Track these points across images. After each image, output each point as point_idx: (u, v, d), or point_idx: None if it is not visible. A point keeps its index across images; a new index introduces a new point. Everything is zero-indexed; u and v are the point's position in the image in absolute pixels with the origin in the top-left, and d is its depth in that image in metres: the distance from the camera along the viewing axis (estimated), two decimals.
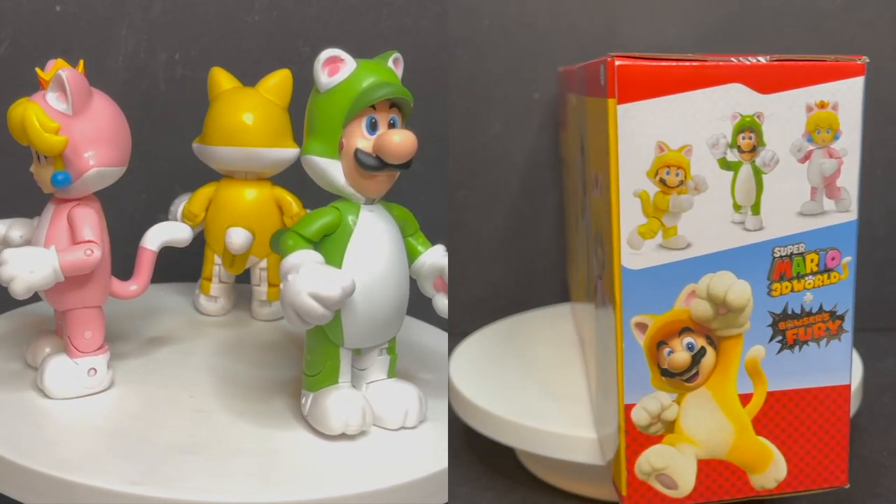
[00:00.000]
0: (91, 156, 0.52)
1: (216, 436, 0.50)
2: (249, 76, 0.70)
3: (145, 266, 0.56)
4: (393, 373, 0.54)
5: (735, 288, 0.45)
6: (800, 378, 0.47)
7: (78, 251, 0.51)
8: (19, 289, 0.49)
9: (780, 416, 0.47)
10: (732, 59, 0.43)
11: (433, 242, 0.55)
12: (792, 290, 0.46)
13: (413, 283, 0.54)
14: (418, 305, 0.56)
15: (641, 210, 0.44)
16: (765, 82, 0.43)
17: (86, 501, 0.44)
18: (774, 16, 0.81)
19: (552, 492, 0.61)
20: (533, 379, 0.65)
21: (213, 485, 0.45)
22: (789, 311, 0.46)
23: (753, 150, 0.44)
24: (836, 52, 0.45)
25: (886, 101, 0.82)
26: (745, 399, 0.47)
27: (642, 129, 0.43)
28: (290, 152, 0.67)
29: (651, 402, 0.46)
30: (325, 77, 0.50)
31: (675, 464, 0.46)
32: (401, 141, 0.49)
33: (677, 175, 0.44)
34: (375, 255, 0.50)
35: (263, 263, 0.69)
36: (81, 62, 0.54)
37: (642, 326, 0.45)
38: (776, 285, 0.46)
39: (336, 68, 0.50)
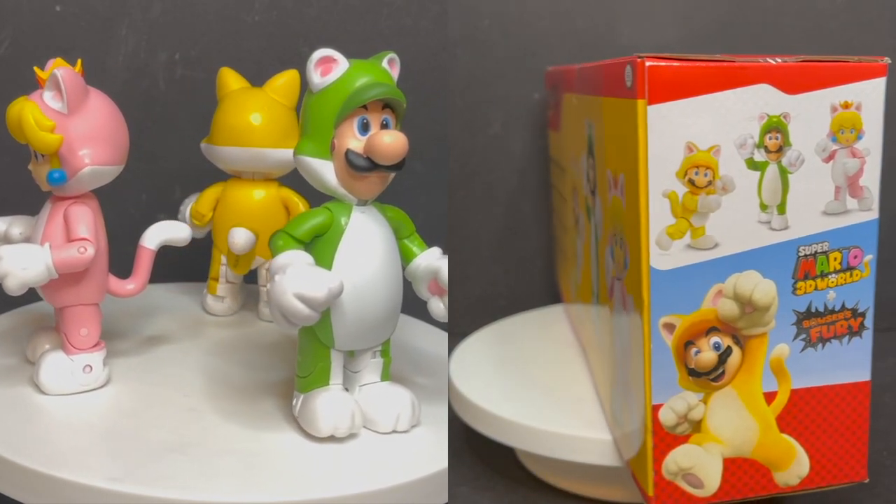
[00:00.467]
0: (86, 154, 0.52)
1: (205, 435, 0.50)
2: (249, 76, 0.70)
3: (144, 265, 0.57)
4: (387, 376, 0.54)
5: (761, 287, 0.45)
6: (822, 375, 0.47)
7: (71, 249, 0.52)
8: (12, 285, 0.50)
9: (803, 413, 0.47)
10: (760, 59, 0.44)
11: (433, 242, 0.55)
12: (815, 289, 0.46)
13: (409, 284, 0.54)
14: (419, 305, 0.56)
15: (670, 210, 0.44)
16: (791, 83, 0.44)
17: (67, 497, 0.44)
18: (774, 16, 0.81)
19: (552, 492, 0.61)
20: (533, 379, 0.65)
21: (195, 483, 0.45)
22: (813, 310, 0.46)
23: (780, 150, 0.44)
24: (836, 53, 0.45)
25: (886, 102, 0.83)
26: (769, 397, 0.47)
27: (671, 130, 0.43)
28: None
29: (678, 403, 0.46)
30: (317, 77, 0.50)
31: (701, 463, 0.47)
32: (391, 142, 0.48)
33: (706, 175, 0.44)
34: (366, 257, 0.50)
35: (269, 264, 0.69)
36: (79, 61, 0.54)
37: (670, 327, 0.45)
38: (800, 284, 0.46)
39: (329, 68, 0.50)
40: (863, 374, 0.48)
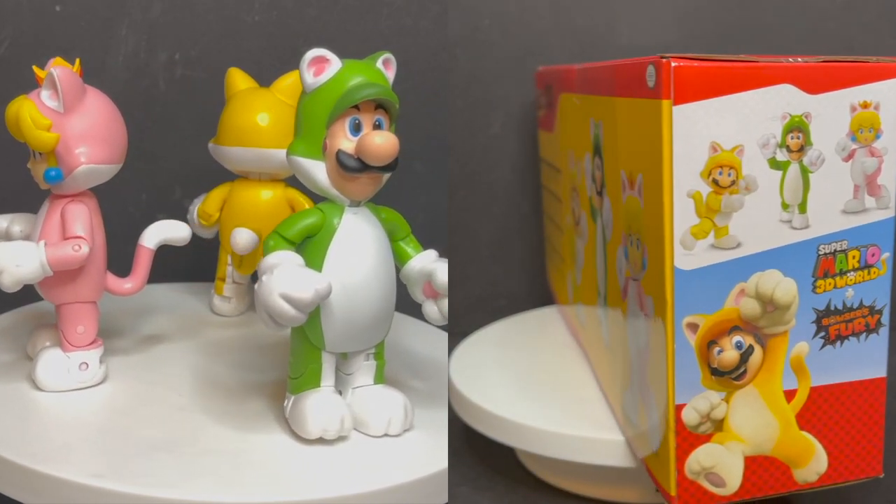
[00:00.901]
0: (82, 153, 0.52)
1: (195, 435, 0.50)
2: (250, 76, 0.69)
3: (142, 264, 0.57)
4: (380, 379, 0.53)
5: (782, 286, 0.46)
6: (840, 372, 0.48)
7: (66, 246, 0.52)
8: (7, 281, 0.51)
9: (821, 410, 0.48)
10: (782, 59, 0.44)
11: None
12: (835, 287, 0.47)
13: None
14: (420, 306, 0.56)
15: (694, 210, 0.44)
16: (813, 83, 0.44)
17: (48, 491, 0.45)
18: (774, 16, 0.82)
19: (552, 492, 0.61)
20: (533, 379, 0.65)
21: (176, 481, 0.45)
22: (832, 308, 0.47)
23: (801, 149, 0.45)
24: (836, 53, 0.46)
25: None
26: (789, 395, 0.47)
27: (696, 130, 0.43)
28: None
29: (701, 402, 0.46)
30: (310, 77, 0.49)
31: (723, 462, 0.47)
32: (381, 143, 0.48)
33: (729, 175, 0.44)
34: (358, 259, 0.50)
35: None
36: (77, 61, 0.54)
37: (693, 327, 0.45)
38: (820, 282, 0.46)
39: (322, 68, 0.49)
40: (879, 370, 0.48)
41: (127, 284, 0.57)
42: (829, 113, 0.45)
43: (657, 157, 0.44)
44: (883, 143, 0.46)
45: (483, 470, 0.64)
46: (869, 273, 0.47)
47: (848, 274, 0.47)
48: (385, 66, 0.51)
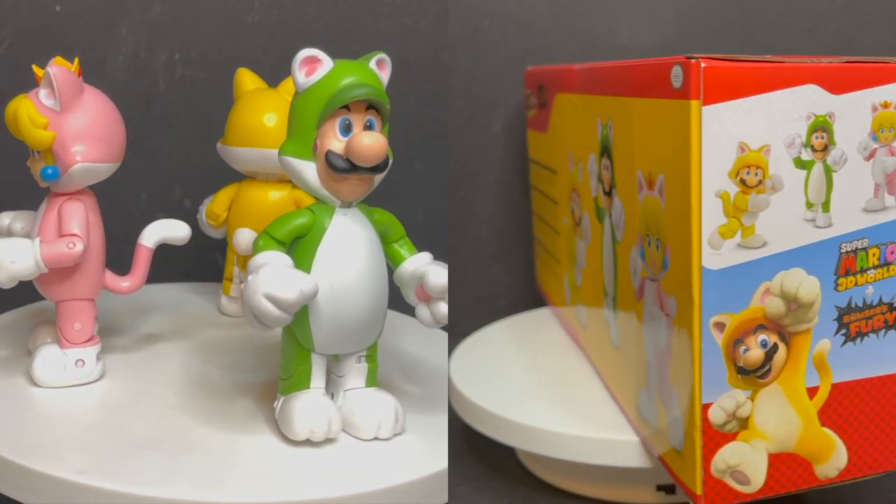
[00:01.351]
0: (78, 151, 0.52)
1: (185, 433, 0.50)
2: (259, 77, 0.69)
3: (141, 263, 0.57)
4: (372, 381, 0.53)
5: (806, 284, 0.46)
6: (861, 368, 0.48)
7: (61, 244, 0.53)
8: (2, 278, 0.51)
9: (842, 406, 0.48)
10: (806, 59, 0.44)
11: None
12: (856, 284, 0.47)
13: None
14: None
15: (722, 210, 0.44)
16: (837, 83, 0.45)
17: (30, 485, 0.45)
18: (774, 16, 0.82)
19: (552, 492, 0.61)
20: (533, 379, 0.65)
21: (158, 479, 0.45)
22: (853, 305, 0.47)
23: (825, 149, 0.45)
24: (836, 53, 0.46)
25: None
26: (811, 392, 0.48)
27: (725, 130, 0.43)
28: None
29: (727, 401, 0.46)
30: (301, 77, 0.49)
31: (748, 460, 0.47)
32: (369, 144, 0.48)
33: (756, 175, 0.44)
34: (347, 260, 0.50)
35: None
36: (76, 60, 0.54)
37: (720, 326, 0.45)
38: (842, 280, 0.47)
39: (313, 68, 0.49)
40: None
41: (125, 283, 0.57)
42: (852, 113, 0.45)
43: (684, 158, 0.44)
44: None
45: (483, 470, 0.64)
46: (888, 270, 0.48)
47: (868, 271, 0.47)
48: (379, 67, 0.51)
